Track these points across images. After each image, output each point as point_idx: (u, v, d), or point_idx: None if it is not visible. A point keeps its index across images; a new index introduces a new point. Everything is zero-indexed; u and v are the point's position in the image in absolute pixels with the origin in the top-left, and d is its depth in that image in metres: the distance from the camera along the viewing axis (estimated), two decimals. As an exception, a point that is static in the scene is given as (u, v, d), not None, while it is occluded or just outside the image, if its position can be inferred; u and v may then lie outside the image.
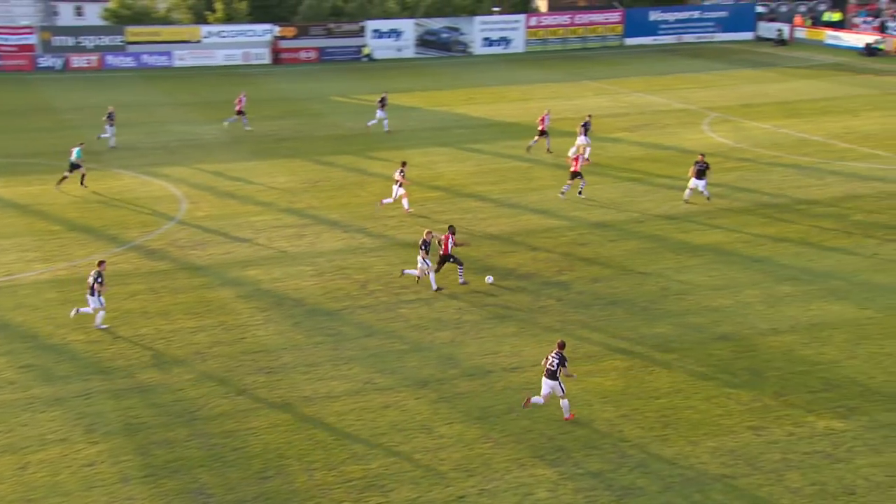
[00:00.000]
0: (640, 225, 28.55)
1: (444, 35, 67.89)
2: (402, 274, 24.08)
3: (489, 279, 23.82)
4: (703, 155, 30.59)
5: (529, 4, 76.38)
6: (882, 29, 66.46)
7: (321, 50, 65.30)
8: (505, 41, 68.64)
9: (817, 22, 73.54)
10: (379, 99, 41.65)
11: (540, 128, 36.88)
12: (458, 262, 23.87)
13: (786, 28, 72.34)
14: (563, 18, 70.38)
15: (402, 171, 29.39)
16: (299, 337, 21.31)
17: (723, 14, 74.12)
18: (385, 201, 29.76)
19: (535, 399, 17.84)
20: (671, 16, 72.78)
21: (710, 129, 41.76)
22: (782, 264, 25.05)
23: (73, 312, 21.84)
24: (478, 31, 68.14)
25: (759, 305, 22.46)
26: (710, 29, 73.33)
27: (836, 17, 72.46)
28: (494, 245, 26.96)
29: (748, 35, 73.51)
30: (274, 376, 19.55)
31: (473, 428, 17.55)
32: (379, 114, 41.06)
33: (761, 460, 16.28)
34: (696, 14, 73.70)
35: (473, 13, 71.93)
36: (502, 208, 30.39)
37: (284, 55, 64.48)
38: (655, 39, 72.03)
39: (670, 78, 56.15)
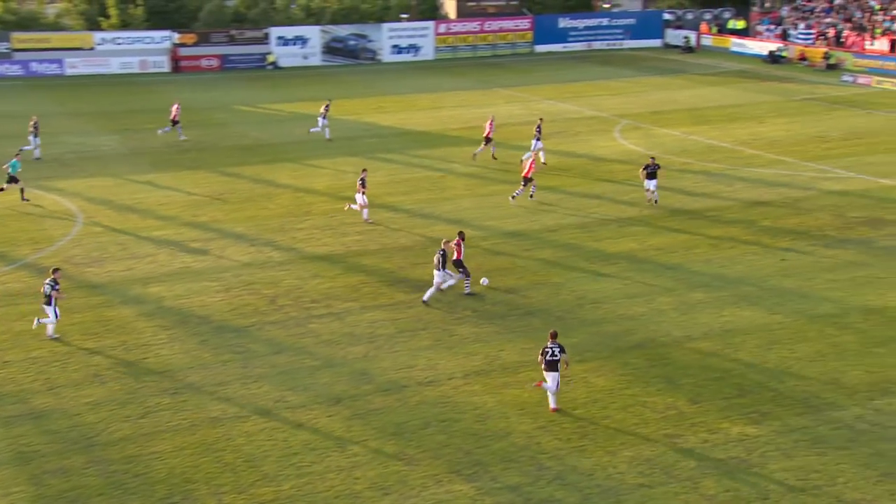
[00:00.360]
0: (554, 234, 28.92)
1: (352, 42, 67.76)
2: (424, 302, 23.29)
3: (484, 281, 24.06)
4: (653, 158, 31.45)
5: (438, 11, 76.81)
6: (784, 37, 68.95)
7: (223, 57, 64.41)
8: (414, 48, 68.89)
9: (723, 29, 75.87)
10: (323, 106, 41.94)
11: (485, 134, 37.26)
12: (465, 272, 23.81)
13: (692, 35, 74.42)
14: (473, 25, 71.02)
15: (362, 179, 29.42)
16: (206, 355, 20.90)
17: (631, 21, 75.88)
18: (353, 206, 29.83)
19: (551, 398, 18.42)
20: (580, 23, 74.16)
21: (622, 137, 42.62)
22: (694, 271, 25.68)
23: (34, 323, 21.59)
24: (386, 38, 68.22)
25: (673, 313, 22.97)
26: (619, 36, 74.99)
27: (740, 24, 74.88)
28: (407, 256, 26.96)
29: (656, 42, 75.39)
30: (179, 397, 19.12)
31: (388, 444, 17.48)
32: (321, 121, 41.32)
33: (677, 468, 16.63)
34: (605, 21, 75.26)
35: (381, 20, 71.98)
36: (415, 219, 30.42)
37: (185, 63, 63.38)
38: (565, 46, 73.28)
39: (581, 85, 57.18)
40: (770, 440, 17.37)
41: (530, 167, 31.24)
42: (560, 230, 29.26)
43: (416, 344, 21.41)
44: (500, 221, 30.05)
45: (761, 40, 70.28)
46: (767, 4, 76.28)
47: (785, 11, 72.82)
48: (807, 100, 51.18)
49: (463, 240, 24.07)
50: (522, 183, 31.36)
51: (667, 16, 78.03)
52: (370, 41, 67.94)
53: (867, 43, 62.24)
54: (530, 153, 35.12)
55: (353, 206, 29.95)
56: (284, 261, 26.73)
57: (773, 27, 70.77)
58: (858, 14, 66.21)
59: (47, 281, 21.48)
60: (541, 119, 38.07)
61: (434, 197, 32.51)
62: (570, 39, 73.83)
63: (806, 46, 65.64)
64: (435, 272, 23.44)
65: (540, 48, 72.46)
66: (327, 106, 42.11)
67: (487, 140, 37.13)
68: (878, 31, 62.30)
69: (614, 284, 24.74)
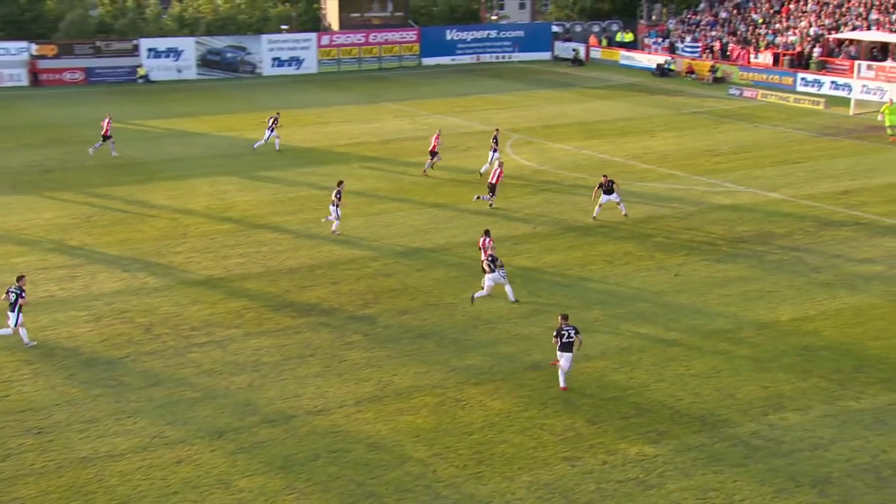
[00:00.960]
0: (447, 253, 29.03)
1: (230, 55, 66.86)
2: (473, 301, 24.63)
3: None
4: (605, 175, 32.35)
5: (320, 23, 76.57)
6: (672, 50, 71.32)
7: (88, 70, 62.65)
8: (296, 61, 68.43)
9: (611, 42, 77.99)
10: (271, 118, 42.45)
11: (431, 148, 38.24)
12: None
13: (582, 48, 76.23)
14: (357, 37, 71.01)
15: (338, 192, 30.08)
16: (74, 391, 20.14)
17: (520, 34, 77.19)
18: (330, 218, 30.51)
19: (561, 379, 20.12)
20: (468, 35, 75.03)
21: (514, 152, 43.20)
22: (590, 288, 26.13)
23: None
24: (266, 50, 67.57)
25: (569, 331, 23.30)
26: (508, 49, 76.20)
27: (627, 37, 77.11)
28: (293, 279, 26.63)
29: (546, 55, 76.89)
30: (45, 437, 18.35)
31: (276, 479, 17.15)
32: (268, 133, 41.88)
33: (576, 492, 16.82)
34: (493, 34, 76.36)
35: (260, 31, 71.29)
36: (301, 239, 30.10)
37: (45, 76, 61.39)
38: (454, 59, 74.00)
39: (471, 99, 57.78)
40: (668, 459, 17.75)
41: (499, 176, 32.71)
42: (453, 248, 29.38)
43: (303, 371, 21.12)
44: (391, 241, 30.00)
45: (650, 53, 72.47)
46: (654, 17, 78.84)
47: (671, 24, 75.34)
48: (696, 113, 52.97)
49: (489, 237, 26.10)
50: (489, 191, 32.91)
51: (555, 28, 79.71)
52: (249, 53, 67.17)
53: (752, 56, 64.91)
54: (487, 165, 36.61)
55: (330, 218, 30.38)
56: (161, 286, 26.03)
57: (660, 40, 73.08)
58: (743, 27, 69.03)
59: (12, 288, 22.01)
60: (497, 130, 39.50)
61: (322, 216, 32.25)
62: (459, 52, 74.62)
63: (693, 59, 68.01)
64: (486, 276, 24.50)
65: (427, 61, 72.96)
66: (275, 119, 42.51)
67: (433, 154, 38.11)
68: (763, 44, 65.08)
69: (509, 304, 24.94)
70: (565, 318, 20.19)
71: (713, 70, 64.19)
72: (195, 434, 18.53)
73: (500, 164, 33.96)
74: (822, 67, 59.86)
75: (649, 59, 71.04)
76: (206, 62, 65.96)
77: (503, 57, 75.86)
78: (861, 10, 62.78)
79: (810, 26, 63.73)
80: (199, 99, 56.75)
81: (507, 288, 24.78)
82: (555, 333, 20.10)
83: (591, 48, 77.26)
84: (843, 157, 40.21)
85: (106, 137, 40.34)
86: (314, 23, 76.09)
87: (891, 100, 45.06)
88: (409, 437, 18.50)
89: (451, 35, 74.52)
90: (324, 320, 23.68)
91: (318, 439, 18.39)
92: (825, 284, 25.90)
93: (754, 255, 28.57)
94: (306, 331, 23.20)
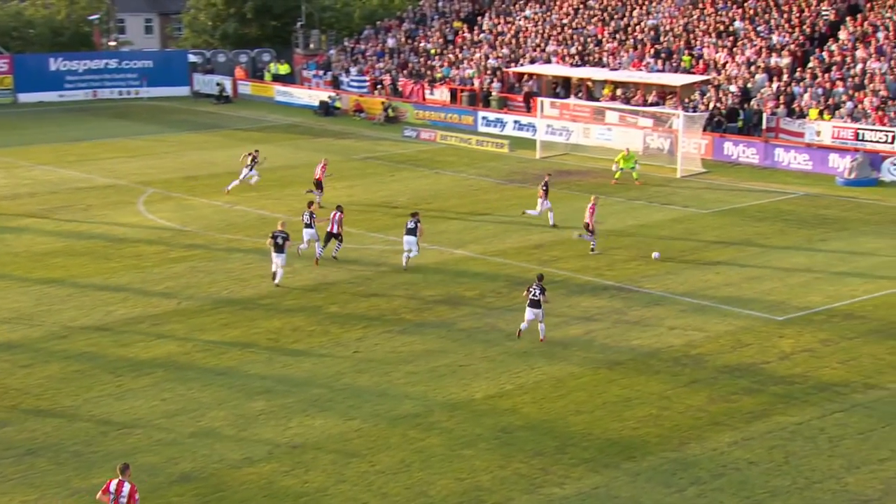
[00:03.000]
0: (64, 341, 27.73)
1: None
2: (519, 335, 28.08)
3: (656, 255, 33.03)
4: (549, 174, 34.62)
5: None
6: (336, 84, 73.31)
7: None
8: None
9: (264, 75, 78.87)
10: (248, 155, 45.62)
11: (316, 178, 42.87)
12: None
13: (227, 82, 76.44)
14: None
15: (310, 213, 35.00)
16: None
17: (148, 64, 76.14)
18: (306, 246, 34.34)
19: (523, 326, 27.93)
20: (80, 65, 72.93)
21: (148, 210, 42.23)
22: (252, 374, 25.87)
23: None
24: None
25: (229, 429, 22.88)
26: (135, 83, 74.88)
27: (283, 69, 78.36)
28: None
29: (183, 90, 76.41)
30: None
31: None
32: (245, 172, 45.06)
33: None
34: (113, 63, 74.77)
35: None
36: None
37: None
38: (62, 95, 71.55)
39: (88, 145, 56.00)
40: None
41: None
42: (72, 336, 28.10)
43: None
44: (-11, 330, 28.17)
45: (310, 88, 74.05)
46: (312, 45, 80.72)
47: (332, 54, 77.48)
48: (368, 159, 54.60)
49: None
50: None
51: (193, 58, 79.39)
52: None
53: (427, 92, 68.15)
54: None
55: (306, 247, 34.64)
56: None
57: (321, 73, 74.92)
58: (414, 59, 72.37)
59: None
60: (548, 175, 42.31)
61: None
62: (69, 86, 72.26)
63: (361, 96, 70.28)
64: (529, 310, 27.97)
65: (25, 97, 70.03)
66: (254, 157, 45.52)
67: (318, 185, 42.66)
68: (438, 77, 68.53)
69: (150, 401, 24.14)
70: (539, 277, 28.19)
71: (385, 108, 66.64)
72: None
73: (595, 199, 36.78)
74: (504, 105, 63.97)
75: (310, 96, 72.55)
76: None
77: (128, 92, 74.37)
78: (538, 40, 67.99)
79: (487, 58, 68.02)
80: None
81: (541, 326, 28.29)
82: (526, 288, 28.12)
83: (239, 82, 77.71)
84: (534, 207, 42.88)
85: None
86: None
87: (627, 149, 48.92)
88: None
89: (55, 65, 71.98)
90: None
91: None
92: (521, 354, 27.32)
93: (443, 323, 29.63)
94: None
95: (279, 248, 32.01)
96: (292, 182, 48.06)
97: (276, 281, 32.42)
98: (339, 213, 35.03)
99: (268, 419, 23.44)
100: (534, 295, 27.62)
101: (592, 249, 36.17)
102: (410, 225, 33.82)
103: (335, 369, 26.28)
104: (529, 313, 27.77)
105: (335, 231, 34.90)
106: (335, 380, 25.66)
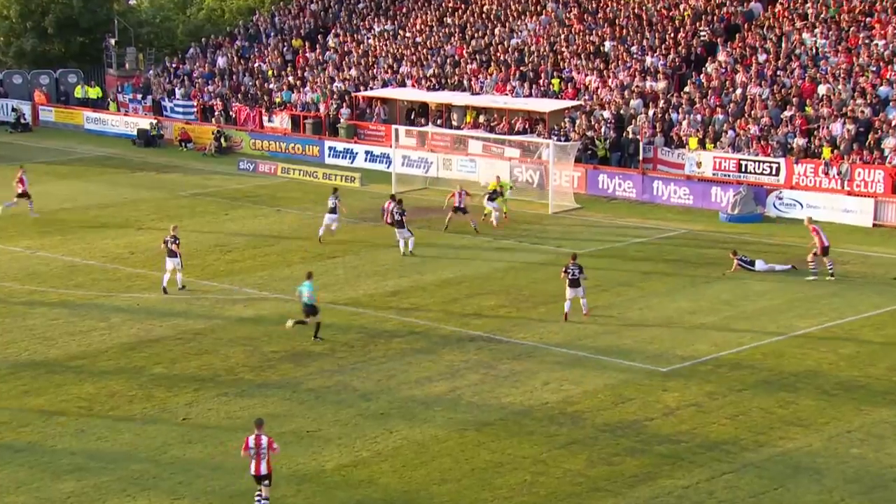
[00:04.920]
0: None
1: None
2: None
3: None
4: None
5: None
6: (158, 110, 72.45)
7: None
8: None
9: (70, 99, 77.45)
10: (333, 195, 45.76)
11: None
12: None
13: (26, 107, 74.88)
14: None
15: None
16: None
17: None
18: None
19: (566, 306, 33.83)
20: None
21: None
22: (60, 450, 25.25)
23: None
24: None
25: (32, 515, 22.30)
26: None
27: (93, 92, 77.07)
28: None
29: (-22, 117, 74.44)
30: None
31: None
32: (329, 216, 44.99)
33: None
34: None
35: None
36: None
37: None
38: None
39: None
40: None
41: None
42: None
43: None
44: None
45: (127, 115, 73.02)
46: (128, 66, 79.69)
47: (152, 75, 76.57)
48: (198, 195, 54.00)
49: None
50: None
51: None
52: None
53: (265, 119, 67.91)
54: None
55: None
56: None
57: (139, 97, 73.97)
58: (248, 81, 72.08)
59: None
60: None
61: None
62: None
63: (188, 123, 69.62)
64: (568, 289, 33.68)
65: None
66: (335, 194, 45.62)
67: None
68: (277, 102, 68.36)
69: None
70: (574, 257, 34.40)
71: (217, 137, 66.11)
72: None
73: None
74: (354, 134, 64.18)
75: (127, 123, 71.57)
76: None
77: None
78: (389, 61, 68.48)
79: (332, 81, 68.16)
80: None
81: (583, 301, 34.08)
82: (563, 270, 34.04)
83: (41, 107, 76.15)
84: (389, 249, 43.06)
85: (23, 195, 48.17)
86: None
87: (498, 177, 49.22)
88: None
89: None
90: None
91: None
92: (378, 416, 27.27)
93: (288, 383, 29.41)
94: None
95: (172, 254, 36.39)
96: (108, 224, 47.22)
97: (179, 285, 36.94)
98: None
99: (79, 502, 22.85)
100: (572, 275, 33.59)
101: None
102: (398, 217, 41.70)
103: (160, 440, 25.82)
104: (570, 292, 33.66)
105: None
106: (161, 452, 25.21)
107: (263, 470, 22.10)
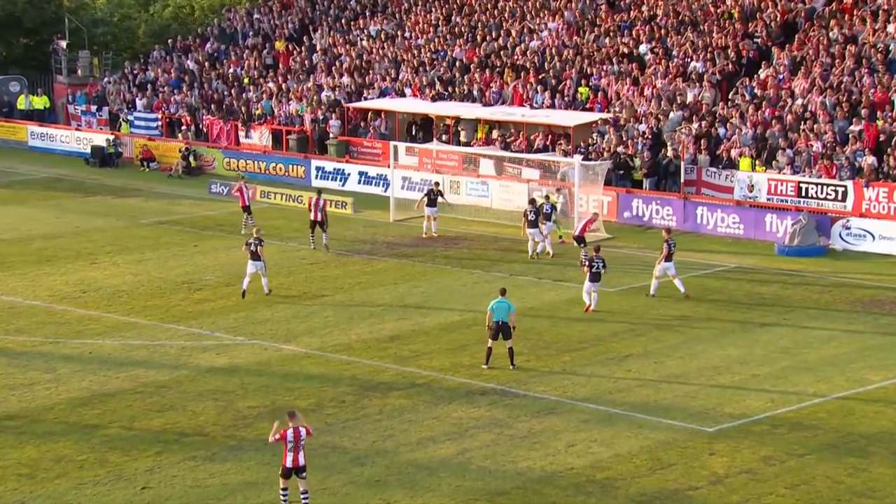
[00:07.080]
0: None
1: None
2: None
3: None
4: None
5: None
6: (115, 124, 72.55)
7: None
8: None
9: (13, 112, 77.60)
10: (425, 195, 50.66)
11: None
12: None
13: (-38, 124, 75.11)
14: None
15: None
16: None
17: None
18: None
19: (586, 298, 38.85)
20: None
21: None
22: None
23: None
24: None
25: None
26: None
27: (39, 102, 77.23)
28: None
29: None
30: None
31: None
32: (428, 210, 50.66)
33: None
34: None
35: None
36: None
37: None
38: None
39: None
40: None
41: None
42: None
43: None
44: None
45: (80, 129, 73.17)
46: (81, 72, 79.81)
47: (108, 83, 76.64)
48: (162, 224, 54.05)
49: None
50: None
51: None
52: None
53: (242, 134, 67.91)
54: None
55: None
56: None
57: (94, 108, 74.10)
58: (222, 89, 72.19)
59: None
60: None
61: None
62: None
63: (151, 139, 69.74)
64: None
65: None
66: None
67: None
68: (256, 114, 68.38)
69: None
70: (597, 249, 38.62)
71: (185, 155, 66.17)
72: None
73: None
74: (346, 152, 64.19)
75: (79, 139, 71.72)
76: None
77: None
78: (387, 65, 68.53)
79: (321, 90, 68.20)
80: None
81: (594, 296, 38.86)
82: (587, 263, 38.31)
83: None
84: (386, 286, 43.03)
85: None
86: None
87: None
88: None
89: None
90: None
91: None
92: (373, 483, 27.17)
93: (266, 445, 29.23)
94: None
95: (255, 256, 40.64)
96: (56, 257, 47.24)
97: (266, 290, 41.26)
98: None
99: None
100: (597, 269, 37.88)
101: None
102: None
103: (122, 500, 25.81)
104: (589, 286, 38.13)
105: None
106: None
107: (301, 461, 24.73)
